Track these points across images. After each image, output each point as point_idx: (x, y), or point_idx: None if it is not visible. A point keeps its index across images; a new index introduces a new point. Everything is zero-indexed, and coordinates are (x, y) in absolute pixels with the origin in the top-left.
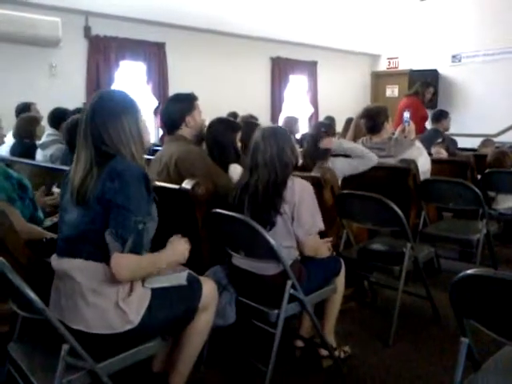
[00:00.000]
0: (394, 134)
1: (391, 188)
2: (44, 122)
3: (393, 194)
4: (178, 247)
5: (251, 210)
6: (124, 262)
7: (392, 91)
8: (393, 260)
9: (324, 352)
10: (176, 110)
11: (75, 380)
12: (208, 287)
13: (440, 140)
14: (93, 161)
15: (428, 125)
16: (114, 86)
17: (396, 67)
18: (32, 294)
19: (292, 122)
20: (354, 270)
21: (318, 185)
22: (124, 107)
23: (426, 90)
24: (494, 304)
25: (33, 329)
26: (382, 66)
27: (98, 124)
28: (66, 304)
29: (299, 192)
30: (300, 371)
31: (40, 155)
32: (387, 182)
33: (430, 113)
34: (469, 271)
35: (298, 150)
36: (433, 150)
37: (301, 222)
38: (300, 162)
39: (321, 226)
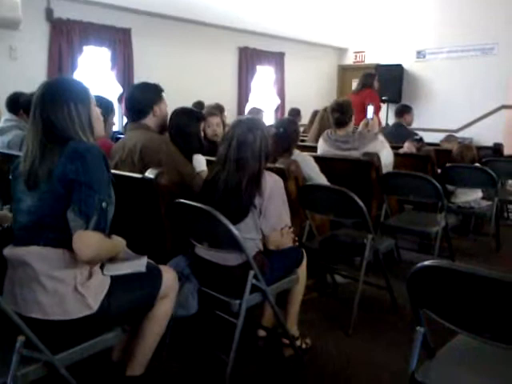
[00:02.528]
0: (357, 127)
1: (354, 180)
2: (2, 107)
3: (355, 186)
4: (118, 240)
5: (223, 201)
6: (88, 239)
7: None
8: (354, 251)
9: (286, 341)
10: (145, 98)
11: (31, 372)
12: (168, 276)
13: (418, 137)
14: (43, 145)
15: (391, 119)
16: (77, 72)
17: (362, 61)
18: None
19: (256, 113)
20: (316, 260)
21: (282, 176)
22: (74, 95)
23: (374, 79)
24: (448, 294)
25: None
26: (349, 60)
27: (47, 110)
28: (21, 292)
29: (270, 187)
30: (262, 360)
31: None
32: (350, 174)
33: (392, 107)
34: (425, 262)
35: None
36: (405, 145)
37: (267, 217)
38: None
39: (287, 222)
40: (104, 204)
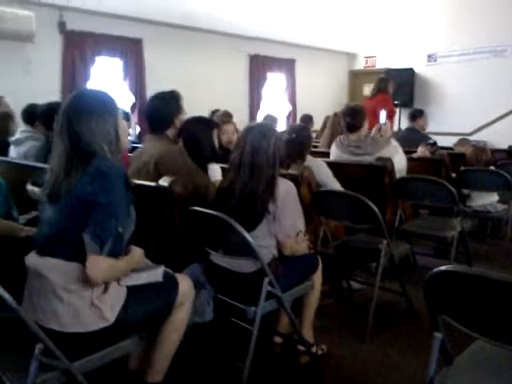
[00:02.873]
0: (370, 132)
1: (368, 185)
2: (18, 118)
3: (369, 192)
4: (136, 253)
5: (238, 208)
6: (100, 264)
7: (369, 90)
8: (369, 257)
9: (302, 348)
10: (166, 111)
11: (49, 379)
12: (184, 284)
13: (431, 141)
14: (68, 159)
15: (403, 124)
16: (90, 82)
17: (373, 66)
18: (5, 293)
19: (271, 120)
20: (331, 266)
21: (295, 182)
22: (101, 107)
23: (388, 84)
24: (466, 300)
25: (5, 328)
26: (360, 65)
27: (73, 123)
28: (39, 302)
29: (284, 193)
30: (278, 367)
31: (13, 152)
32: (364, 179)
33: (404, 112)
34: (442, 267)
35: None
36: (419, 149)
37: (282, 224)
38: None
39: (301, 227)
40: (120, 229)
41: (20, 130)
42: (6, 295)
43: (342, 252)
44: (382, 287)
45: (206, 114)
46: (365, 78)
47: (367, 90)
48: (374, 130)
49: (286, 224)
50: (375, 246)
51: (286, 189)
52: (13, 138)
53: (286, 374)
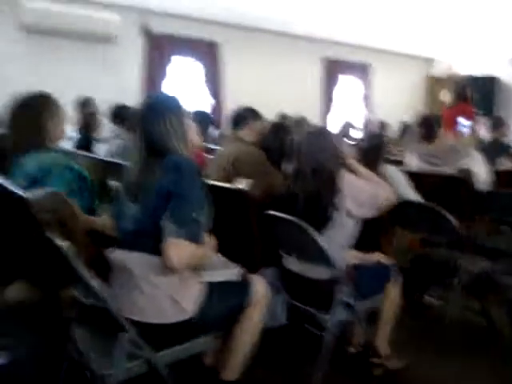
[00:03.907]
0: (449, 142)
1: (445, 197)
2: (102, 116)
3: (448, 204)
4: (209, 243)
5: (305, 212)
6: (178, 247)
7: (446, 95)
8: (447, 272)
9: (376, 360)
10: (244, 111)
11: (133, 367)
12: (259, 285)
13: None
14: (145, 157)
15: (483, 133)
16: (168, 83)
17: (451, 71)
18: (95, 283)
19: (349, 127)
20: (406, 279)
21: None
22: (170, 109)
23: (468, 92)
24: None
25: (93, 315)
26: (437, 70)
27: (147, 123)
28: (123, 295)
29: (347, 180)
30: (350, 377)
31: (99, 149)
32: (442, 190)
33: (483, 120)
34: None
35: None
36: (503, 161)
37: (362, 202)
38: None
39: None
40: (197, 215)
41: (107, 128)
42: (96, 286)
43: (417, 265)
44: (459, 304)
45: (273, 117)
46: (442, 84)
47: (444, 96)
48: (453, 140)
49: (367, 200)
50: (453, 261)
51: (348, 178)
52: (100, 136)
53: None
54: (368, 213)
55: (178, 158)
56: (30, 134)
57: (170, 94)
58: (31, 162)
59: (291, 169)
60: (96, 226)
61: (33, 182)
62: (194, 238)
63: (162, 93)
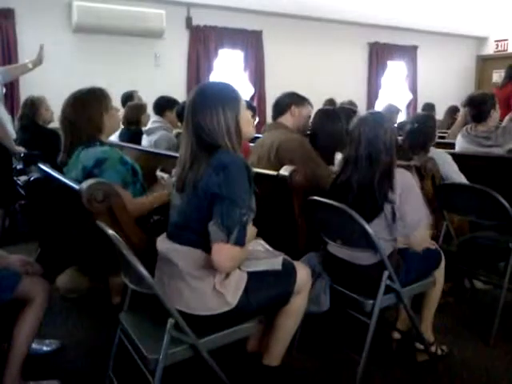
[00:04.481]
0: (501, 122)
1: (496, 179)
2: (149, 110)
3: (498, 186)
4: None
5: (357, 200)
6: (228, 252)
7: (500, 76)
8: (497, 255)
9: (420, 346)
10: (284, 98)
11: (178, 352)
12: (302, 272)
13: None
14: (194, 151)
15: None
16: (213, 75)
17: (505, 50)
18: (143, 270)
19: (393, 110)
20: (453, 264)
21: (418, 174)
22: (222, 99)
23: None
24: None
25: (141, 301)
26: (489, 50)
27: (197, 115)
28: (169, 284)
29: (402, 184)
30: (394, 363)
31: (145, 141)
32: (493, 172)
33: None
34: None
35: None
36: None
37: (406, 219)
38: None
39: (427, 219)
40: (245, 218)
41: (151, 120)
42: (145, 273)
43: (466, 249)
44: (510, 289)
45: (319, 104)
46: (495, 64)
47: (497, 76)
48: (505, 120)
49: (411, 218)
50: (504, 244)
51: (402, 179)
52: (145, 128)
53: (402, 370)
54: (403, 231)
55: (226, 158)
56: (84, 128)
57: (225, 82)
58: (86, 156)
59: (344, 156)
60: (148, 203)
61: (88, 176)
62: (241, 242)
63: (215, 82)
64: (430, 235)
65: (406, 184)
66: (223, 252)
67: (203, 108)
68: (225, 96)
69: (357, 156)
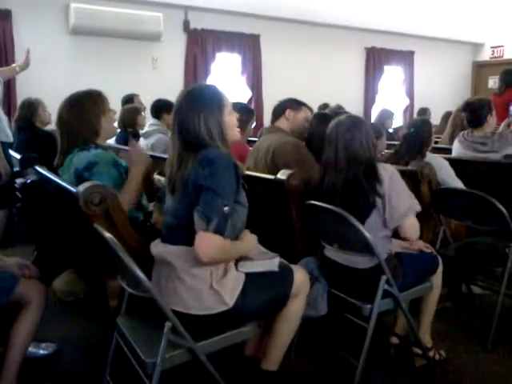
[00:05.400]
0: (497, 128)
1: (493, 185)
2: (146, 113)
3: (494, 192)
4: (249, 239)
5: (345, 201)
6: (206, 240)
7: (495, 82)
8: (494, 261)
9: (418, 351)
10: (283, 102)
11: (176, 356)
12: (299, 275)
13: None
14: (181, 152)
15: None
16: (210, 78)
17: (501, 56)
18: (140, 274)
19: (387, 115)
20: (451, 268)
21: (415, 179)
22: (205, 104)
23: None
24: None
25: (138, 304)
26: (485, 56)
27: (182, 118)
28: (166, 286)
29: (386, 176)
30: (392, 368)
31: (143, 144)
32: (489, 178)
33: None
34: None
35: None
36: None
37: (396, 207)
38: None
39: (417, 207)
40: (226, 208)
41: (148, 123)
42: (142, 276)
43: (463, 254)
44: (507, 294)
45: (315, 108)
46: (491, 70)
47: (492, 82)
48: (502, 126)
49: (400, 205)
50: (501, 249)
51: (385, 170)
52: (142, 131)
53: (400, 375)
54: (397, 220)
55: (212, 153)
56: (79, 131)
57: (211, 85)
58: (79, 159)
59: (322, 160)
60: (129, 187)
61: (78, 178)
62: (221, 231)
63: (201, 86)
64: (427, 239)
65: (391, 173)
66: (203, 240)
67: (187, 111)
68: (207, 100)
69: (336, 159)
